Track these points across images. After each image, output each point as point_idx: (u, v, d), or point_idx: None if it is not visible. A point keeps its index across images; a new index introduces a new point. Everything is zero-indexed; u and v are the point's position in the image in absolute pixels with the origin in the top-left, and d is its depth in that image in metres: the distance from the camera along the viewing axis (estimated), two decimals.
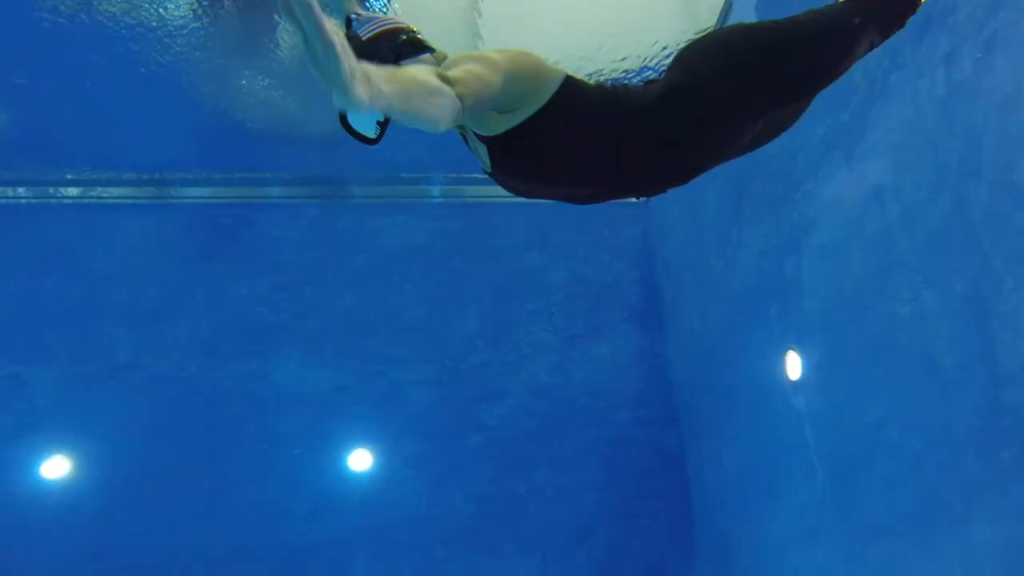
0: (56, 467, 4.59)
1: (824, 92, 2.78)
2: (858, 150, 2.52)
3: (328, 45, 0.86)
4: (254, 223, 5.35)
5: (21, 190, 5.29)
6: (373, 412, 4.98)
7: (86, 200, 5.34)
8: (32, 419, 4.69)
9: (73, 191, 5.35)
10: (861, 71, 2.44)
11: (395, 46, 1.39)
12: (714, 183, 4.20)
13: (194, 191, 5.49)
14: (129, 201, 5.37)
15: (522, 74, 1.33)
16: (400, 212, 5.72)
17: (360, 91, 0.92)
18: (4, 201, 5.24)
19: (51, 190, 5.33)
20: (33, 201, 5.32)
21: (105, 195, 5.36)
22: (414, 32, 1.45)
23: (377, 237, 5.51)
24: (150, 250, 5.19)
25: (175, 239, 5.29)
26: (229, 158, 5.45)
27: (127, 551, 4.44)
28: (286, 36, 4.31)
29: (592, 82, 1.47)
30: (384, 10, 1.51)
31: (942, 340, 2.17)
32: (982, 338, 1.98)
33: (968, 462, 2.06)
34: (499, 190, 1.59)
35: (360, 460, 4.86)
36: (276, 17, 4.22)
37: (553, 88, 1.37)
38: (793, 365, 3.23)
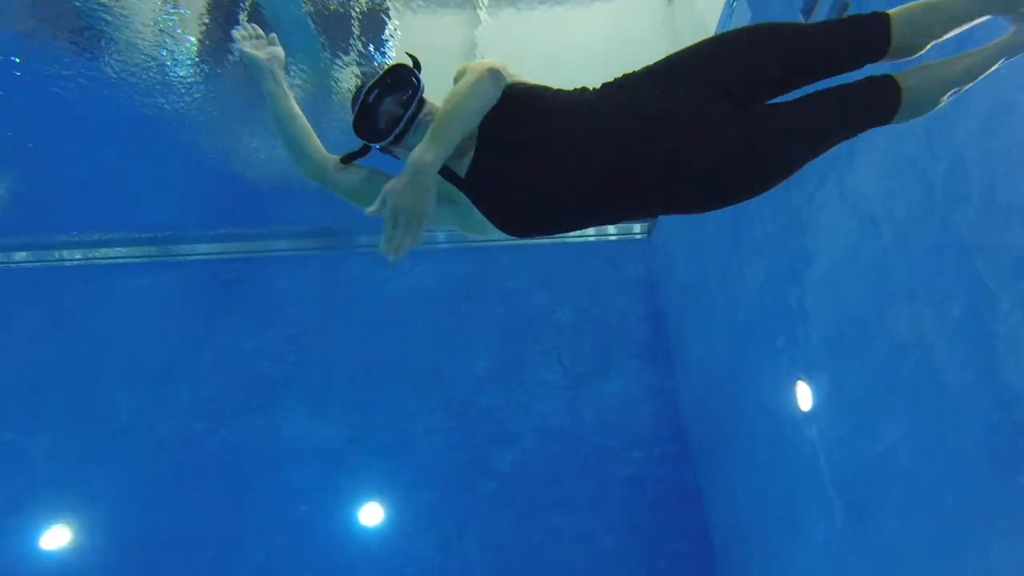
0: (56, 537, 4.51)
1: None
2: (849, 179, 2.57)
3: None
4: (259, 277, 5.42)
5: (22, 255, 5.37)
6: (383, 463, 4.93)
7: (88, 262, 5.40)
8: (31, 489, 4.66)
9: (76, 254, 5.41)
10: None
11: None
12: (713, 216, 4.25)
13: (197, 248, 5.55)
14: (131, 260, 5.43)
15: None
16: (406, 259, 5.79)
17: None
18: (4, 266, 5.32)
19: (54, 254, 5.40)
20: (35, 265, 5.39)
21: (108, 256, 5.42)
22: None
23: (383, 286, 5.56)
24: (153, 309, 5.24)
25: (178, 297, 5.34)
26: (232, 213, 5.54)
27: None
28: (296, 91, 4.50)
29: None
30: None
31: (946, 364, 2.17)
32: (985, 360, 1.98)
33: (984, 486, 2.03)
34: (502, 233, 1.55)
35: (372, 514, 4.78)
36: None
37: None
38: (803, 396, 3.21)
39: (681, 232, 4.90)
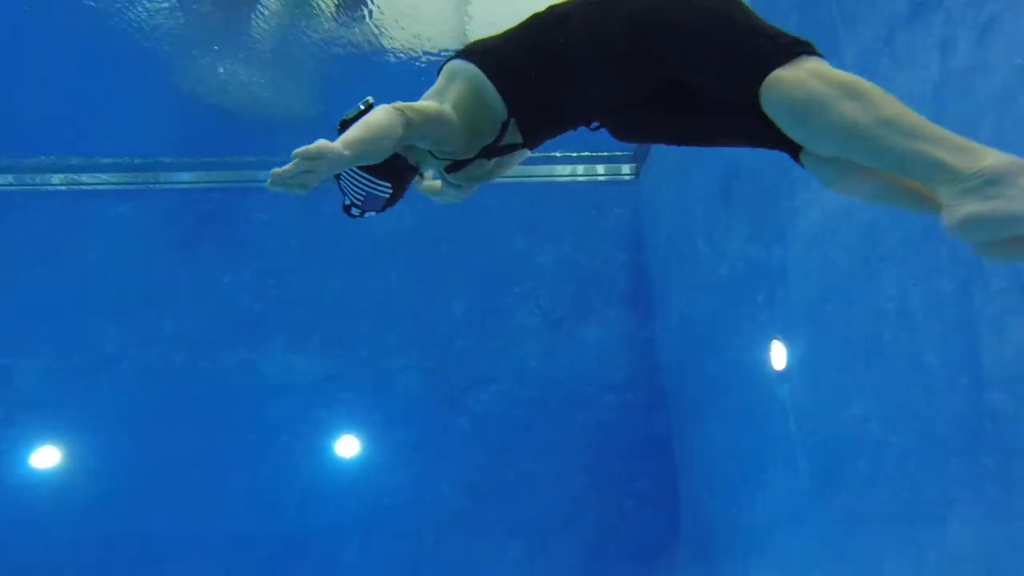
0: (46, 457, 4.61)
1: None
2: None
3: None
4: (239, 208, 5.26)
5: (9, 178, 5.19)
6: (361, 400, 4.97)
7: (69, 187, 5.26)
8: (20, 410, 4.70)
9: (58, 178, 5.27)
10: (851, 53, 2.36)
11: None
12: (702, 166, 4.13)
13: (178, 176, 5.40)
14: (113, 187, 5.29)
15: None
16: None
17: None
18: None
19: (36, 177, 5.25)
20: (17, 189, 5.23)
21: (89, 182, 5.28)
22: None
23: (363, 223, 5.40)
24: (134, 238, 5.12)
25: (159, 226, 5.22)
26: (214, 143, 5.35)
27: (124, 539, 4.48)
28: (264, 24, 4.29)
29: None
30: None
31: (928, 339, 2.13)
32: (968, 340, 1.94)
33: (949, 464, 2.04)
34: None
35: (349, 447, 4.87)
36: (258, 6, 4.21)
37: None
38: (778, 355, 3.20)
39: (669, 180, 4.78)
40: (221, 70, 4.51)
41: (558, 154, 5.39)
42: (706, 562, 4.08)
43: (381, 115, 1.47)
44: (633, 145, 5.42)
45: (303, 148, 1.37)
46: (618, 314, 5.22)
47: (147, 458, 4.62)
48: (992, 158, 1.10)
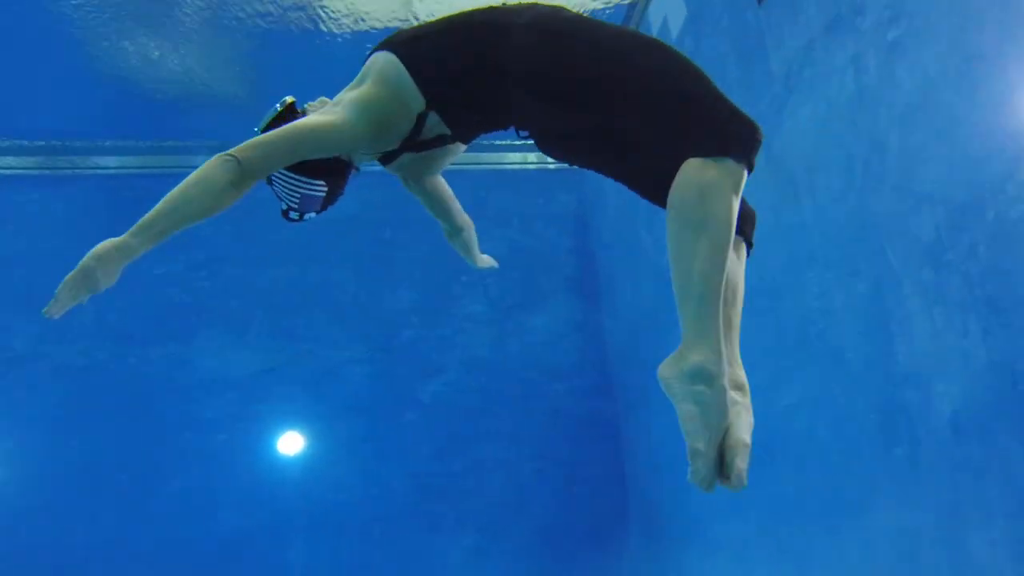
0: None
1: (744, 78, 2.74)
2: (776, 143, 2.50)
3: None
4: (159, 194, 5.02)
5: None
6: (303, 394, 4.84)
7: None
8: None
9: None
10: (778, 61, 2.40)
11: None
12: None
13: (100, 160, 5.10)
14: (26, 172, 4.97)
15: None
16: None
17: None
18: None
19: None
20: None
21: (1, 166, 4.95)
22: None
23: None
24: (50, 226, 4.81)
25: (80, 214, 4.93)
26: (138, 126, 5.07)
27: (46, 552, 4.22)
28: (192, 2, 4.10)
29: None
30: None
31: (847, 336, 2.21)
32: (883, 339, 2.02)
33: (867, 454, 2.13)
34: None
35: (291, 443, 4.74)
36: None
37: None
38: None
39: None
40: (155, 53, 4.30)
41: (507, 142, 5.34)
42: (654, 546, 4.20)
43: (194, 182, 1.46)
44: None
45: (67, 277, 1.40)
46: (566, 301, 5.25)
47: (67, 463, 4.38)
48: (698, 354, 1.20)
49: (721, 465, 1.23)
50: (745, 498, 3.11)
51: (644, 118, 1.28)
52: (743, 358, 1.45)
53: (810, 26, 2.11)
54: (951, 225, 1.68)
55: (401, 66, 1.52)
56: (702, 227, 1.20)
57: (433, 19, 1.62)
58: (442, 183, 1.83)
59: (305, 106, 1.66)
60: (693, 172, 1.21)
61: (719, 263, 1.21)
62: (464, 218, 1.91)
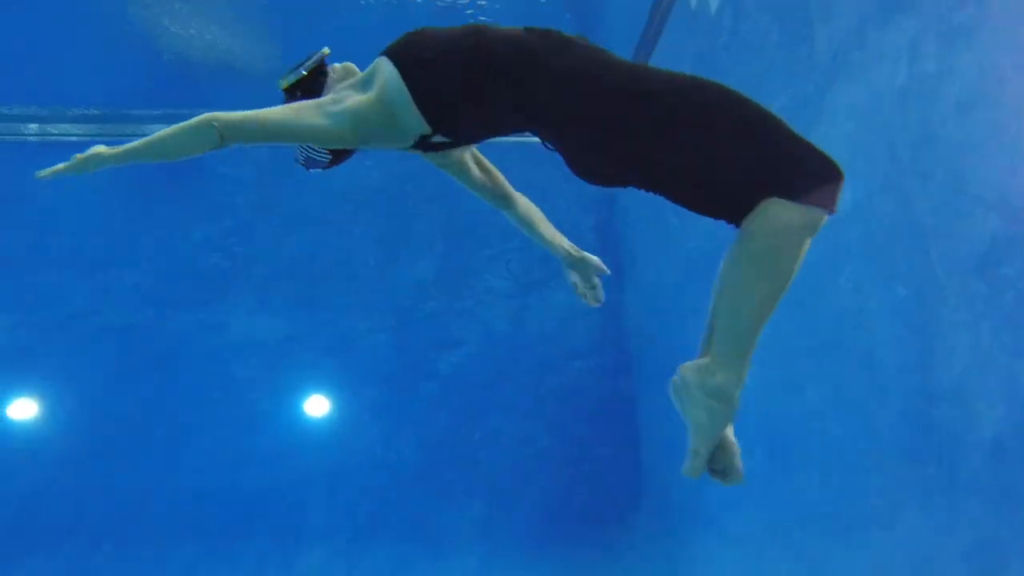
0: (23, 409, 4.61)
1: (786, 58, 2.56)
2: (816, 128, 2.33)
3: None
4: (203, 163, 5.05)
5: None
6: (327, 360, 4.91)
7: (42, 139, 5.03)
8: None
9: (31, 128, 5.04)
10: (825, 41, 2.22)
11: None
12: None
13: (145, 129, 5.15)
14: (80, 139, 5.05)
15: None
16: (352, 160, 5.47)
17: None
18: None
19: (7, 128, 5.01)
20: None
21: (56, 133, 5.05)
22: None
23: (328, 180, 5.24)
24: (101, 191, 4.91)
25: (126, 180, 4.99)
26: (177, 95, 5.13)
27: (95, 491, 4.47)
28: None
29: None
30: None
31: (882, 341, 2.08)
32: (920, 348, 1.89)
33: (894, 469, 2.02)
34: None
35: (317, 406, 4.85)
36: None
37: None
38: None
39: None
40: (193, 29, 4.59)
41: None
42: (664, 531, 4.16)
43: (176, 135, 1.52)
44: None
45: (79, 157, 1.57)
46: None
47: (115, 413, 4.59)
48: (726, 377, 1.27)
49: (713, 460, 1.34)
50: (763, 495, 3.03)
51: (713, 157, 1.26)
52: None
53: (864, 5, 1.93)
54: (1009, 235, 1.53)
55: (407, 95, 1.44)
56: (768, 273, 1.23)
57: (453, 33, 1.46)
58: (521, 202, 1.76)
59: (330, 68, 1.63)
60: (777, 214, 1.20)
61: (772, 307, 1.25)
62: (561, 240, 1.78)
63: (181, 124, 1.50)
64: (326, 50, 1.62)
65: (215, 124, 1.46)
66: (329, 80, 1.61)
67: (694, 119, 1.25)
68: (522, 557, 4.61)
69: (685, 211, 4.19)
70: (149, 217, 4.96)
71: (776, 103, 2.61)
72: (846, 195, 2.22)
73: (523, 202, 1.73)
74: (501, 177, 1.72)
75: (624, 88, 1.27)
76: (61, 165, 1.58)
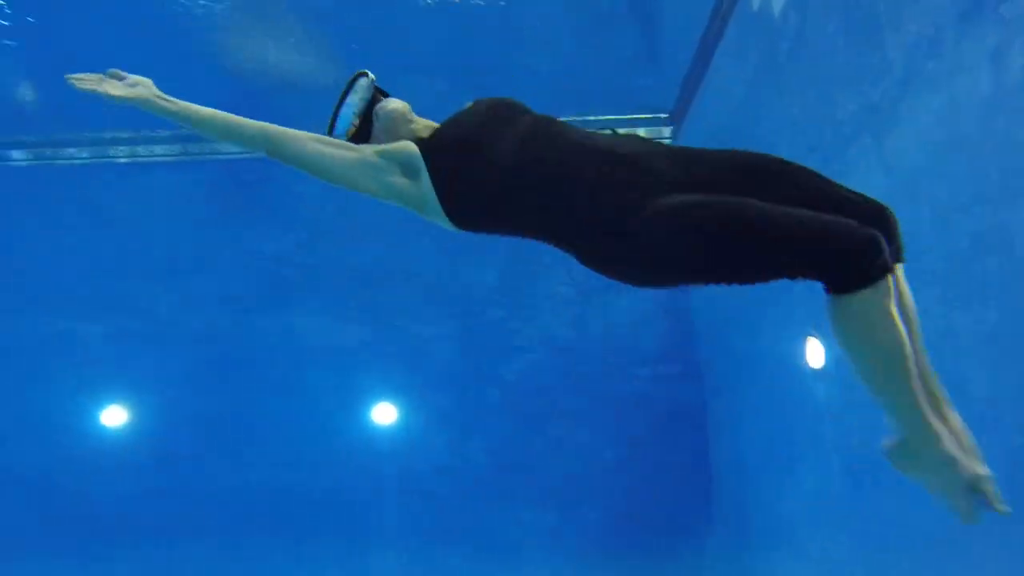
0: (115, 416, 4.95)
1: (855, 65, 2.43)
2: (889, 138, 2.20)
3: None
4: (276, 178, 5.26)
5: (74, 151, 5.38)
6: (395, 366, 5.04)
7: (132, 159, 5.36)
8: (89, 371, 4.99)
9: (121, 151, 5.39)
10: (897, 47, 2.09)
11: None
12: (744, 134, 3.85)
13: (224, 147, 5.45)
14: (165, 159, 5.38)
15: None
16: None
17: None
18: (61, 163, 5.35)
19: (104, 150, 5.38)
20: (87, 162, 5.37)
21: (145, 154, 5.38)
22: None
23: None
24: (186, 206, 5.25)
25: (208, 194, 5.32)
26: (253, 115, 5.37)
27: (183, 491, 4.77)
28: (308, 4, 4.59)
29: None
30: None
31: (973, 368, 1.94)
32: (1016, 378, 1.76)
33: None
34: None
35: (384, 413, 4.98)
36: None
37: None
38: (815, 352, 3.03)
39: (711, 145, 4.50)
40: (269, 52, 4.84)
41: (599, 117, 5.13)
42: (737, 545, 4.05)
43: (240, 129, 1.57)
44: (670, 104, 5.11)
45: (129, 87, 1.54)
46: None
47: (197, 416, 4.86)
48: (920, 443, 1.27)
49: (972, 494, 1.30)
50: (842, 514, 2.90)
51: (751, 270, 1.32)
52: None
53: (941, 12, 1.80)
54: None
55: (438, 205, 1.51)
56: (874, 352, 1.25)
57: (495, 143, 1.47)
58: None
59: (385, 103, 1.67)
60: (843, 311, 1.23)
61: (901, 362, 1.23)
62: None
63: (244, 121, 1.56)
64: (384, 103, 1.65)
65: (269, 139, 1.54)
66: (378, 126, 1.66)
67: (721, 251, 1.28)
68: (591, 568, 4.59)
69: None
70: (229, 229, 5.21)
71: (843, 112, 2.48)
72: (924, 212, 2.10)
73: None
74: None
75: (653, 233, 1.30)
76: (99, 81, 1.53)
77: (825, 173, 2.89)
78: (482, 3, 5.11)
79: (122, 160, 5.38)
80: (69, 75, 1.51)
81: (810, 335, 3.03)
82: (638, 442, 4.80)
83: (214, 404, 4.86)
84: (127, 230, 5.17)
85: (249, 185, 5.28)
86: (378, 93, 1.72)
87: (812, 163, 2.95)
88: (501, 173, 1.42)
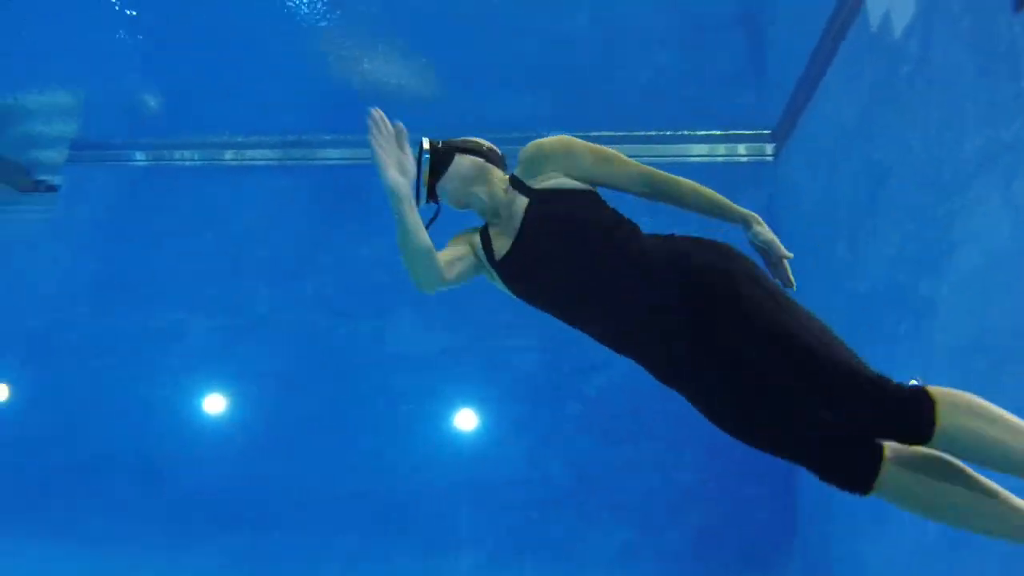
0: (214, 404, 5.32)
1: (984, 96, 2.29)
2: (1018, 180, 2.06)
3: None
4: (374, 185, 5.49)
5: (187, 153, 5.87)
6: (478, 374, 5.16)
7: (239, 163, 5.80)
8: (193, 360, 5.39)
9: (229, 154, 5.84)
10: None
11: None
12: (851, 158, 3.70)
13: (324, 152, 5.76)
14: (267, 163, 5.76)
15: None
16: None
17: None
18: (175, 164, 5.84)
19: (212, 153, 5.86)
20: (197, 164, 5.86)
21: (252, 158, 5.79)
22: None
23: None
24: (286, 209, 5.59)
25: (308, 198, 5.66)
26: (354, 120, 5.64)
27: (269, 481, 5.05)
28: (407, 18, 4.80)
29: None
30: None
31: None
32: None
33: None
34: None
35: (466, 420, 5.11)
36: None
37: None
38: None
39: (813, 167, 4.34)
40: (366, 64, 5.09)
41: (688, 132, 5.06)
42: None
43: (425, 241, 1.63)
44: (773, 122, 4.95)
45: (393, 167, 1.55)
46: None
47: (289, 411, 5.13)
48: None
49: None
50: (938, 569, 2.73)
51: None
52: None
53: None
54: None
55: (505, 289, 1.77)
56: (940, 517, 1.45)
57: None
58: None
59: (449, 176, 1.81)
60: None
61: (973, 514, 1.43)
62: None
63: (425, 238, 1.61)
64: (448, 176, 1.77)
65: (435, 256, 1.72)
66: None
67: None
68: None
69: (858, 245, 3.94)
70: (327, 232, 5.48)
71: (969, 146, 2.35)
72: None
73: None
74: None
75: None
76: (387, 144, 1.54)
77: (941, 211, 2.74)
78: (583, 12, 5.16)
79: (230, 162, 5.77)
80: (375, 110, 1.53)
81: (914, 378, 2.87)
82: (718, 465, 4.69)
83: (306, 401, 5.11)
84: (232, 229, 5.54)
85: (348, 190, 5.54)
86: (447, 153, 1.74)
87: (928, 199, 2.82)
88: (567, 302, 1.68)
